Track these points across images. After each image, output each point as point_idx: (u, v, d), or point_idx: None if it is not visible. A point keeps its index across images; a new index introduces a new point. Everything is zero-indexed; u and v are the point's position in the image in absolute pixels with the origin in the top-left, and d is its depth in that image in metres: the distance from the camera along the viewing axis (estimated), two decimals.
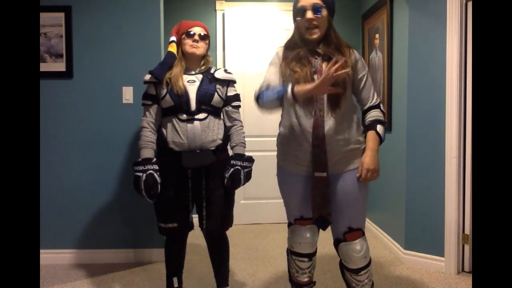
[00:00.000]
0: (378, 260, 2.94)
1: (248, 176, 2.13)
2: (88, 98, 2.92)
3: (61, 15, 2.87)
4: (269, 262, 2.95)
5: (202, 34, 2.13)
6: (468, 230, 2.68)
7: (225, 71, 2.20)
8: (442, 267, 2.73)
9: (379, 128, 1.84)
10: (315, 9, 1.75)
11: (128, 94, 2.92)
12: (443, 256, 2.73)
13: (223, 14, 3.86)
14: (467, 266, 2.72)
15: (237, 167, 2.09)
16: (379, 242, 3.36)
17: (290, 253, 2.00)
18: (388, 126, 3.15)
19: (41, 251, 2.74)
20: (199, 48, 2.11)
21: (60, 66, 2.90)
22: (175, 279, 2.21)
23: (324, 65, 1.79)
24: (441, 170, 2.71)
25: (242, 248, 3.25)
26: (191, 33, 2.10)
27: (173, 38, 2.15)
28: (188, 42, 2.10)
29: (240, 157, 2.14)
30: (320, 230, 1.94)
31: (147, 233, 2.96)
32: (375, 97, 1.90)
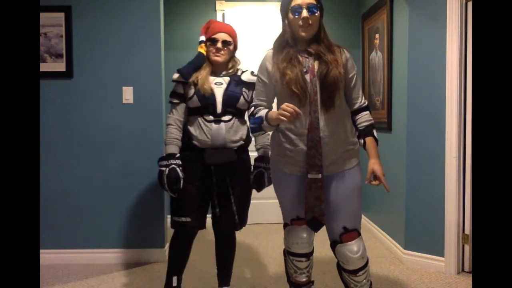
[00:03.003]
0: (378, 260, 2.94)
1: (271, 178, 2.14)
2: (88, 98, 2.93)
3: (61, 15, 2.88)
4: (269, 262, 2.96)
5: (226, 40, 2.12)
6: (468, 230, 2.68)
7: (252, 73, 2.20)
8: (442, 267, 2.73)
9: (375, 132, 1.89)
10: (311, 8, 1.76)
11: (128, 94, 2.92)
12: (443, 256, 2.73)
13: (223, 14, 3.86)
14: (467, 266, 2.72)
15: (260, 169, 2.14)
16: (379, 242, 3.36)
17: (288, 253, 2.00)
18: (388, 126, 3.15)
19: (41, 251, 2.74)
20: (222, 56, 2.12)
21: (60, 66, 2.90)
22: (174, 278, 2.20)
23: (316, 64, 1.80)
24: (441, 170, 2.71)
25: (242, 248, 3.25)
26: (215, 40, 2.11)
27: (203, 38, 2.16)
28: (211, 49, 2.12)
29: (264, 159, 2.18)
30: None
31: (147, 233, 2.96)
32: (363, 97, 1.93)
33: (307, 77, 1.78)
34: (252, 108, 1.93)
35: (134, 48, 2.91)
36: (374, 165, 1.82)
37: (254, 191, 2.23)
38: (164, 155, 2.11)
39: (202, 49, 2.15)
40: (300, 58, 1.80)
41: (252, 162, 2.23)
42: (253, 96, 1.97)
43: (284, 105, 1.66)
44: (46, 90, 2.87)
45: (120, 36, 2.91)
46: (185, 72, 2.10)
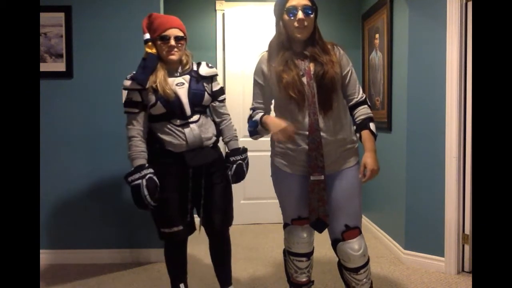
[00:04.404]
0: (378, 260, 2.94)
1: (248, 166, 2.16)
2: (88, 98, 2.93)
3: (61, 15, 2.88)
4: (269, 262, 2.96)
5: (178, 36, 1.98)
6: (468, 230, 2.68)
7: (207, 65, 2.13)
8: (442, 267, 2.73)
9: (372, 126, 1.85)
10: (306, 10, 1.76)
11: None
12: (443, 256, 2.73)
13: (223, 14, 3.86)
14: (467, 266, 2.72)
15: (239, 162, 2.10)
16: (379, 242, 3.36)
17: (288, 253, 2.00)
18: (388, 126, 3.15)
19: (41, 251, 2.74)
20: (177, 53, 1.98)
21: (60, 66, 2.90)
22: (182, 285, 2.16)
23: (311, 65, 1.80)
24: (441, 170, 2.71)
25: (242, 248, 3.25)
26: (166, 37, 1.96)
27: (147, 36, 2.00)
28: (164, 48, 1.97)
29: (237, 151, 2.14)
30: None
31: (147, 233, 2.96)
32: (361, 92, 1.91)
33: (304, 79, 1.78)
34: (251, 112, 1.95)
35: (134, 48, 2.91)
36: (366, 158, 1.80)
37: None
38: (132, 168, 1.94)
39: (150, 49, 1.98)
40: (296, 61, 1.80)
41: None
42: (252, 101, 1.97)
43: (277, 131, 1.72)
44: (46, 90, 2.86)
45: (120, 36, 2.91)
46: (140, 79, 1.94)
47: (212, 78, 2.12)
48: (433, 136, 2.74)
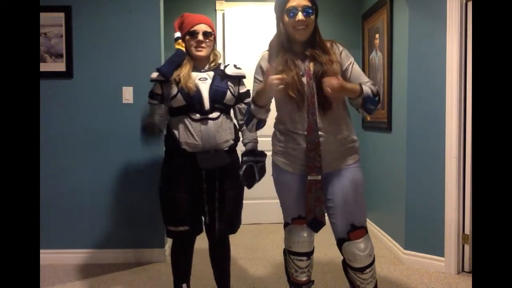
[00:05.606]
0: (378, 260, 2.91)
1: (262, 171, 2.10)
2: (88, 98, 2.93)
3: (61, 15, 2.88)
4: (269, 262, 2.95)
5: (207, 32, 2.03)
6: (468, 230, 2.68)
7: (235, 66, 2.14)
8: (442, 267, 2.73)
9: (367, 89, 1.74)
10: (306, 10, 1.76)
11: (128, 94, 2.92)
12: (443, 256, 2.73)
13: (223, 14, 3.86)
14: (467, 266, 2.72)
15: (250, 163, 2.06)
16: (379, 242, 3.36)
17: (288, 253, 2.00)
18: (388, 126, 3.15)
19: (41, 251, 2.74)
20: (204, 49, 2.03)
21: (60, 66, 2.90)
22: (184, 285, 2.16)
23: (311, 65, 1.79)
24: (441, 170, 2.71)
25: (242, 248, 3.25)
26: (195, 32, 2.02)
27: (178, 34, 2.07)
28: (192, 43, 2.03)
29: (252, 152, 2.11)
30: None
31: (147, 233, 2.96)
32: (370, 81, 1.83)
33: (304, 79, 1.78)
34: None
35: (134, 48, 2.91)
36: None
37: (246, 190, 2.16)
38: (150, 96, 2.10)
39: (179, 46, 2.05)
40: (296, 61, 1.80)
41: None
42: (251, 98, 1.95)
43: (269, 78, 1.65)
44: (46, 90, 2.86)
45: (120, 36, 2.91)
46: (165, 71, 1.99)
47: (239, 80, 2.14)
48: (433, 136, 2.74)
